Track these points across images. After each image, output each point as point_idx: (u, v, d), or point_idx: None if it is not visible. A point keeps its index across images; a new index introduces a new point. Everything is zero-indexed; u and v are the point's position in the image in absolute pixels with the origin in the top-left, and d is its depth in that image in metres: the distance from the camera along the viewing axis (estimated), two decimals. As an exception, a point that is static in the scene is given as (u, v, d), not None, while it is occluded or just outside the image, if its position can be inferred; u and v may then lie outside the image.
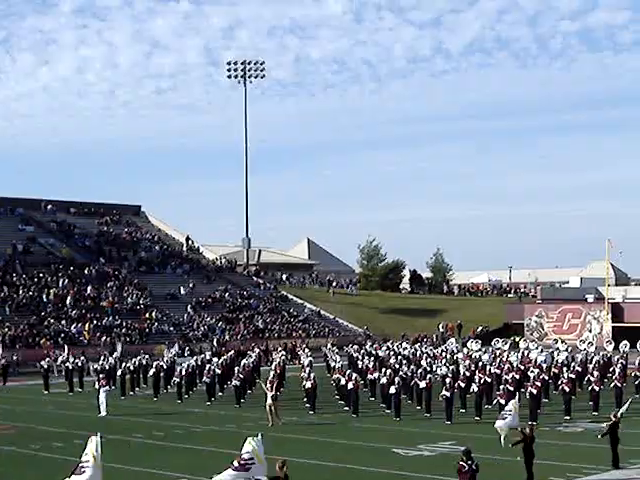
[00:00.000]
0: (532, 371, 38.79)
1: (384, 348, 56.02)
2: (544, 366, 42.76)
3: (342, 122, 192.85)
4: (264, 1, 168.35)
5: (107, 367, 48.26)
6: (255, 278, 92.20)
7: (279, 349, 61.17)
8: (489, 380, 38.15)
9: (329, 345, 62.81)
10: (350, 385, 37.18)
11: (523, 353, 48.65)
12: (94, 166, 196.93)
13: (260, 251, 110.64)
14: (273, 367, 46.47)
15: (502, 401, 33.15)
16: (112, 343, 64.87)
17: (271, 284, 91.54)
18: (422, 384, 37.03)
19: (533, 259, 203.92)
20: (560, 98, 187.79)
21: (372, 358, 48.75)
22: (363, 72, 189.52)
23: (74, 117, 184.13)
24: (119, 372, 46.96)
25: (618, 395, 37.08)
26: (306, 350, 56.89)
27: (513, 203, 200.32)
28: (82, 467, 17.98)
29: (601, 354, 49.19)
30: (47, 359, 51.58)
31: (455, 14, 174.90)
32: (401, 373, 39.15)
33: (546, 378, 39.27)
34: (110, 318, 70.45)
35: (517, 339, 64.65)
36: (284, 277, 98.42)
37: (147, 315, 73.31)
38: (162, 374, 46.24)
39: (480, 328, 78.55)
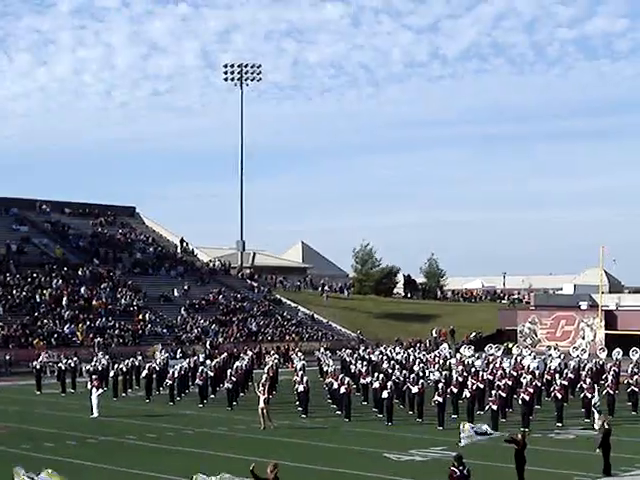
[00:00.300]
0: (525, 377, 38.78)
1: (377, 353, 56.02)
2: (537, 372, 42.76)
3: (339, 126, 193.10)
4: (262, 5, 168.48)
5: (100, 368, 48.19)
6: (249, 281, 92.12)
7: (272, 352, 61.16)
8: (481, 386, 38.12)
9: (322, 349, 62.83)
10: (342, 389, 37.19)
11: (516, 359, 48.64)
12: (89, 167, 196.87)
13: (254, 254, 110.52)
14: (266, 370, 46.44)
15: (494, 407, 33.22)
16: (105, 344, 64.81)
17: (265, 287, 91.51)
18: (414, 389, 37.06)
19: (527, 265, 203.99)
20: (557, 105, 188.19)
21: (365, 362, 48.75)
22: (360, 76, 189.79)
23: (71, 118, 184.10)
24: (112, 373, 46.93)
25: (610, 403, 37.17)
26: (299, 354, 56.89)
27: (508, 209, 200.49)
28: None
29: (594, 361, 49.27)
30: (40, 359, 51.51)
31: (452, 19, 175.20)
32: (394, 378, 39.18)
33: (539, 385, 39.32)
34: (103, 319, 70.35)
35: (510, 345, 64.66)
36: (279, 280, 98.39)
37: (140, 317, 73.24)
38: (155, 376, 46.23)
39: (473, 334, 78.56)
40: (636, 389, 39.32)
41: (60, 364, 50.50)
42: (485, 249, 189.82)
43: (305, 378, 38.80)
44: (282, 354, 64.79)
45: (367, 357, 53.84)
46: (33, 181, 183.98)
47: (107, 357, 52.66)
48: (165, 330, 72.91)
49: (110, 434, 32.94)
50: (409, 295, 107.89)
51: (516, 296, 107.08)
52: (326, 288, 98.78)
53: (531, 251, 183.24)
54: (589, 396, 36.10)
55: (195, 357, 52.06)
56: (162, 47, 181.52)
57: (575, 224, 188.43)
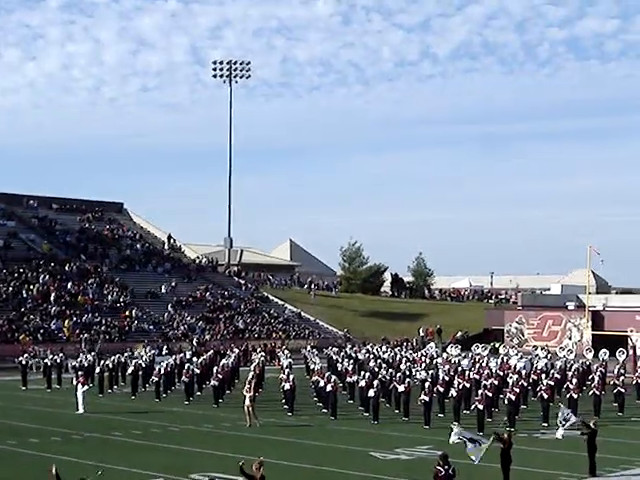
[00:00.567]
0: (511, 377, 38.82)
1: (364, 351, 56.03)
2: (523, 372, 42.79)
3: (327, 124, 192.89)
4: (252, 1, 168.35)
5: (86, 364, 48.01)
6: (236, 278, 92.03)
7: (259, 350, 61.13)
8: (468, 385, 38.18)
9: (309, 347, 62.85)
10: (329, 387, 37.18)
11: (502, 359, 48.68)
12: (77, 162, 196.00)
13: (242, 251, 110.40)
14: (252, 368, 46.38)
15: (480, 406, 33.22)
16: (92, 340, 64.61)
17: (252, 285, 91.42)
18: (401, 388, 37.06)
19: (515, 265, 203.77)
20: (546, 105, 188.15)
21: (351, 361, 48.76)
22: (350, 74, 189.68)
23: (59, 113, 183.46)
24: (97, 370, 46.80)
25: (596, 403, 37.21)
26: (286, 351, 56.90)
27: (496, 209, 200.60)
28: None
29: (580, 362, 49.34)
30: (25, 355, 51.33)
31: (443, 18, 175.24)
32: (380, 376, 39.14)
33: (525, 384, 39.32)
34: (89, 315, 70.17)
35: (497, 345, 64.81)
36: (266, 278, 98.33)
37: (127, 313, 73.07)
38: (141, 372, 46.13)
39: (460, 333, 78.63)
40: (622, 390, 39.38)
41: (46, 360, 50.34)
42: (473, 249, 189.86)
43: (291, 376, 38.75)
44: (269, 352, 64.72)
45: (354, 355, 53.86)
46: (20, 176, 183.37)
47: (93, 353, 52.49)
48: (152, 327, 72.76)
49: (95, 430, 32.84)
50: (396, 294, 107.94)
51: (503, 296, 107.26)
52: (313, 286, 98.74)
53: (519, 251, 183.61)
54: (575, 396, 36.20)
55: (181, 354, 51.97)
56: (151, 43, 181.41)
57: (563, 224, 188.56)
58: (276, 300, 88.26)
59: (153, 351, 56.20)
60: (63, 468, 19.04)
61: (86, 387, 39.25)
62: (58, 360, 50.30)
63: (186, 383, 42.67)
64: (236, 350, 57.40)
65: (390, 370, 41.68)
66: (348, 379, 42.62)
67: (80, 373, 41.52)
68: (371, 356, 52.20)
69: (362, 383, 37.59)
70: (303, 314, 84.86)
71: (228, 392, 43.89)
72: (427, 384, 36.02)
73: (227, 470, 23.94)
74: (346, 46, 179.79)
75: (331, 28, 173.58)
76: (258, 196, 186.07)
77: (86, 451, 28.46)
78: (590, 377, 42.65)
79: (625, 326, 69.65)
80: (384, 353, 54.44)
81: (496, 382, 38.64)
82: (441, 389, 37.62)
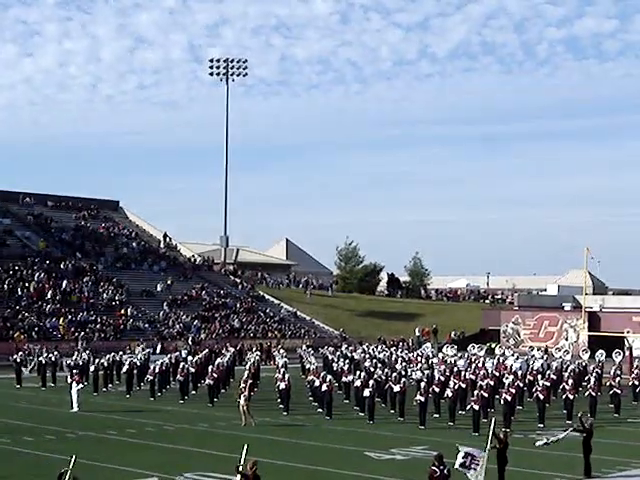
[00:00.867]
0: (507, 378, 38.75)
1: (359, 351, 55.95)
2: (519, 373, 42.74)
3: (325, 123, 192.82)
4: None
5: (80, 363, 47.86)
6: (232, 277, 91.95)
7: (254, 349, 61.03)
8: (464, 386, 38.11)
9: (304, 346, 62.75)
10: (324, 387, 37.10)
11: (499, 359, 48.66)
12: (73, 160, 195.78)
13: (238, 250, 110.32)
14: (247, 367, 46.33)
15: (476, 407, 33.12)
16: (86, 339, 64.50)
17: (248, 284, 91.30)
18: (396, 388, 36.97)
19: (511, 266, 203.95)
20: (545, 105, 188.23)
21: (347, 360, 48.66)
22: (348, 73, 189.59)
23: (55, 110, 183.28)
24: (92, 368, 46.67)
25: (592, 404, 37.13)
26: (281, 351, 56.82)
27: (493, 209, 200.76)
28: None
29: (577, 363, 49.26)
30: (20, 353, 51.20)
31: (442, 18, 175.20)
32: (376, 376, 39.06)
33: (521, 385, 39.27)
34: (84, 313, 70.04)
35: (493, 345, 64.67)
36: (262, 277, 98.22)
37: (122, 311, 72.95)
38: (135, 371, 46.01)
39: (456, 333, 78.55)
40: (618, 391, 39.34)
41: (41, 358, 50.23)
42: (469, 249, 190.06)
43: (287, 375, 38.70)
44: (264, 351, 64.60)
45: (349, 355, 53.77)
46: (16, 173, 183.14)
47: (88, 352, 52.36)
48: (147, 325, 72.67)
49: (90, 429, 32.74)
50: (393, 293, 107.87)
51: (500, 296, 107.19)
52: (309, 285, 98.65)
53: (515, 251, 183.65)
54: (571, 397, 36.13)
55: (177, 353, 51.89)
56: (149, 40, 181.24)
57: (560, 225, 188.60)
58: (272, 299, 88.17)
59: (148, 350, 56.07)
60: (57, 467, 18.93)
61: (81, 385, 39.11)
62: (53, 358, 50.17)
63: (181, 382, 42.60)
64: (231, 349, 57.31)
65: (386, 370, 41.62)
66: (344, 379, 42.54)
67: (75, 371, 41.38)
68: (367, 356, 52.12)
69: (358, 383, 37.51)
70: (299, 313, 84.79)
71: (223, 391, 43.83)
72: (423, 384, 35.99)
73: (222, 469, 23.84)
74: (344, 45, 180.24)
75: (330, 26, 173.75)
76: (254, 195, 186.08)
77: (80, 450, 28.28)
78: (586, 378, 42.56)
79: (621, 327, 69.53)
80: (380, 353, 54.38)
81: (492, 383, 38.55)
82: (437, 389, 37.53)
